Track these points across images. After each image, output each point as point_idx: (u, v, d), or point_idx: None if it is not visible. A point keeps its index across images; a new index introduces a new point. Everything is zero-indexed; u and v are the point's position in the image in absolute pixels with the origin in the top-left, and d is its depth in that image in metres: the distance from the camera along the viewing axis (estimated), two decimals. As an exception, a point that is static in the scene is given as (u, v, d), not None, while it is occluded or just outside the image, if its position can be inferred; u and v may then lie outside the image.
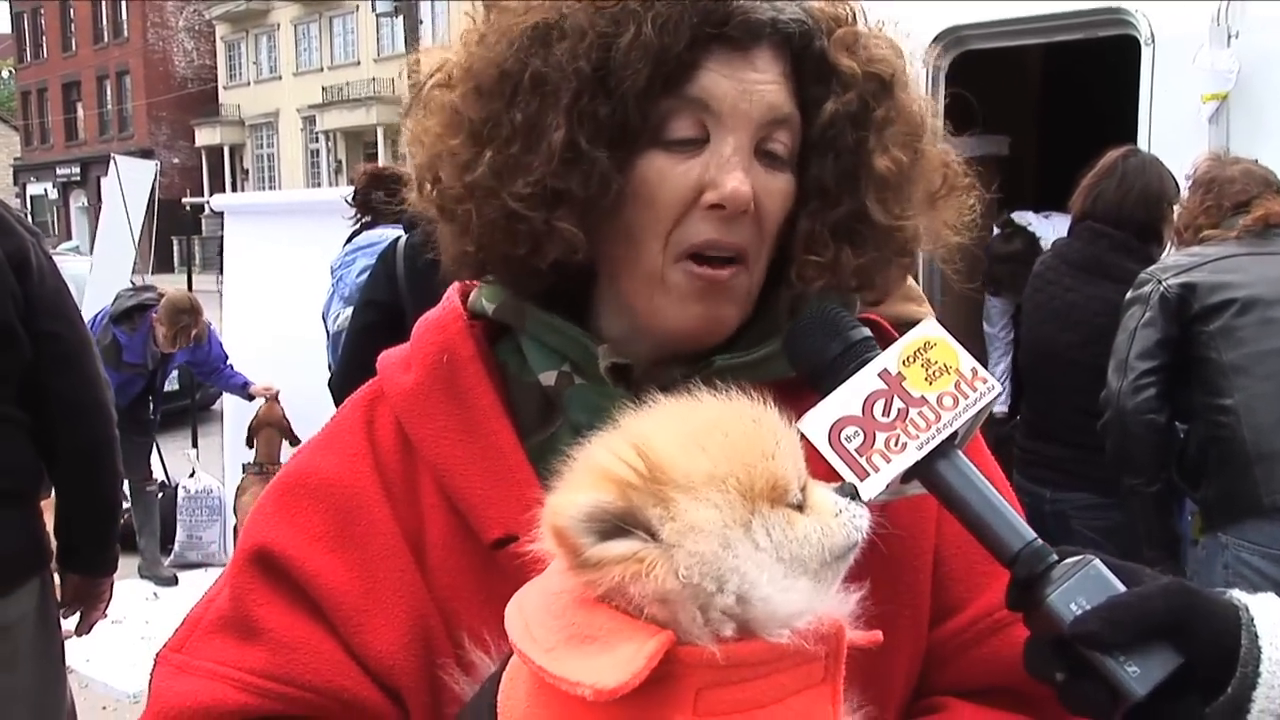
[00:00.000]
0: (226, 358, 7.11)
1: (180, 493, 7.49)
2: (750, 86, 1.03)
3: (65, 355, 2.87)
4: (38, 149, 59.56)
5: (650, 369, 1.08)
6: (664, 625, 0.80)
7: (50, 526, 3.05)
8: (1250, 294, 3.16)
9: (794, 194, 1.08)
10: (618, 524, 0.81)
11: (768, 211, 1.05)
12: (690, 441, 0.84)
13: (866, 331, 0.99)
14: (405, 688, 1.03)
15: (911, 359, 0.92)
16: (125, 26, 53.25)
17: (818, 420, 0.92)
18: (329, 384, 4.31)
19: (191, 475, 7.58)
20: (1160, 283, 3.25)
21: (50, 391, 2.85)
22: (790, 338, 1.02)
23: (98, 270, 9.51)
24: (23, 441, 2.84)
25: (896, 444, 0.90)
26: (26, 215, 4.65)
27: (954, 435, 0.91)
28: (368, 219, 4.91)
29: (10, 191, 55.95)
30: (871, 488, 0.90)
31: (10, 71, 58.18)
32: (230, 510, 7.13)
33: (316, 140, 47.37)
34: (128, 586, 5.97)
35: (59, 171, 56.06)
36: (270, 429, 6.58)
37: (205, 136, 51.40)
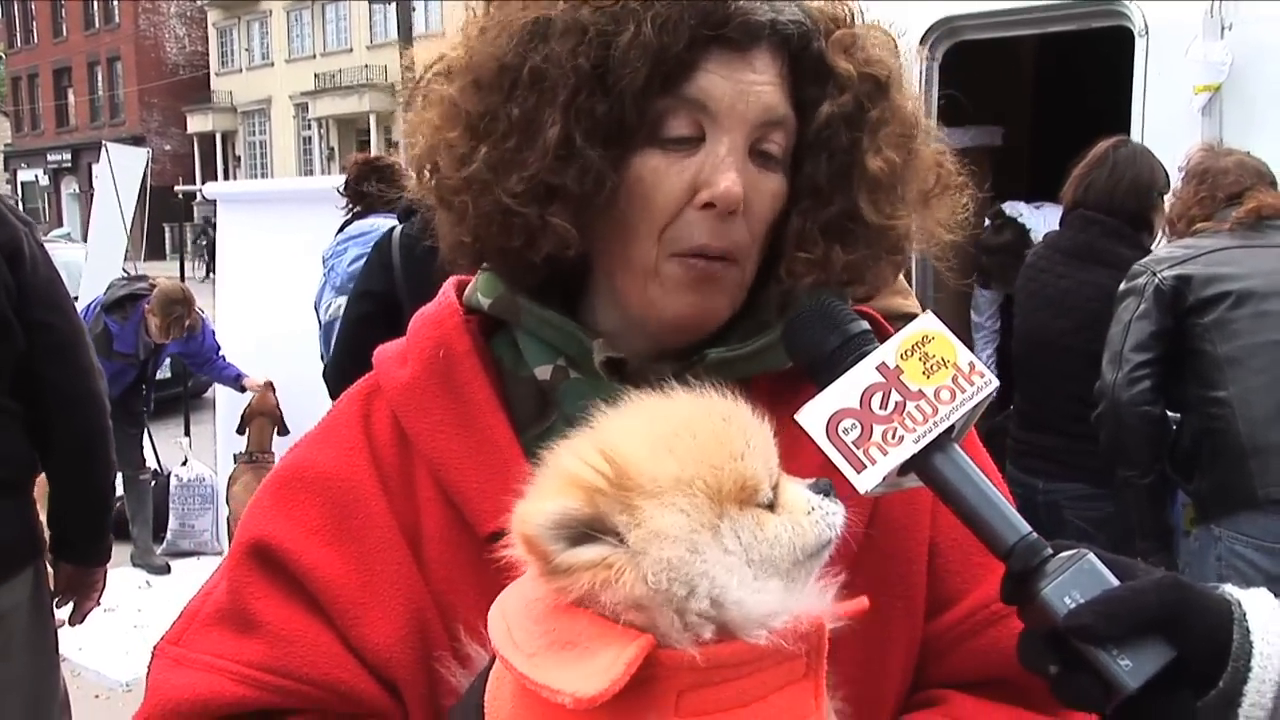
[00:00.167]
0: (219, 348, 7.10)
1: (173, 481, 7.49)
2: (747, 88, 1.04)
3: (59, 345, 2.87)
4: (28, 135, 59.30)
5: (645, 363, 1.09)
6: (643, 629, 0.81)
7: (43, 516, 3.05)
8: (1245, 287, 3.17)
9: (786, 193, 1.08)
10: (586, 530, 0.81)
11: (758, 211, 1.06)
12: (658, 444, 0.84)
13: (865, 325, 1.00)
14: (402, 680, 1.03)
15: (909, 352, 0.93)
16: (116, 12, 53.00)
17: (815, 413, 0.93)
18: (323, 374, 4.31)
19: (184, 464, 7.58)
20: (1155, 275, 3.26)
21: (44, 382, 2.85)
22: (788, 330, 1.03)
23: (92, 259, 9.49)
24: (16, 432, 2.84)
25: (894, 437, 0.91)
26: (17, 202, 4.63)
27: (951, 429, 0.91)
28: (359, 208, 4.90)
29: (0, 178, 55.71)
30: (868, 480, 0.90)
31: (0, 57, 57.84)
32: (223, 499, 7.12)
33: (309, 127, 47.22)
34: (120, 575, 5.98)
35: (50, 158, 55.83)
36: (262, 418, 6.57)
37: (197, 123, 51.22)
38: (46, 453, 2.94)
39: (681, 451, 0.84)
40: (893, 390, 0.92)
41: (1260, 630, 0.84)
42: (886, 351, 0.94)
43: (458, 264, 1.16)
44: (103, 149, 10.07)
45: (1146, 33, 4.33)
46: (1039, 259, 3.93)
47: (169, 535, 7.49)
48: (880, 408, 0.91)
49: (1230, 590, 0.88)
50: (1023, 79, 6.76)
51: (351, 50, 45.18)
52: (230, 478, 6.63)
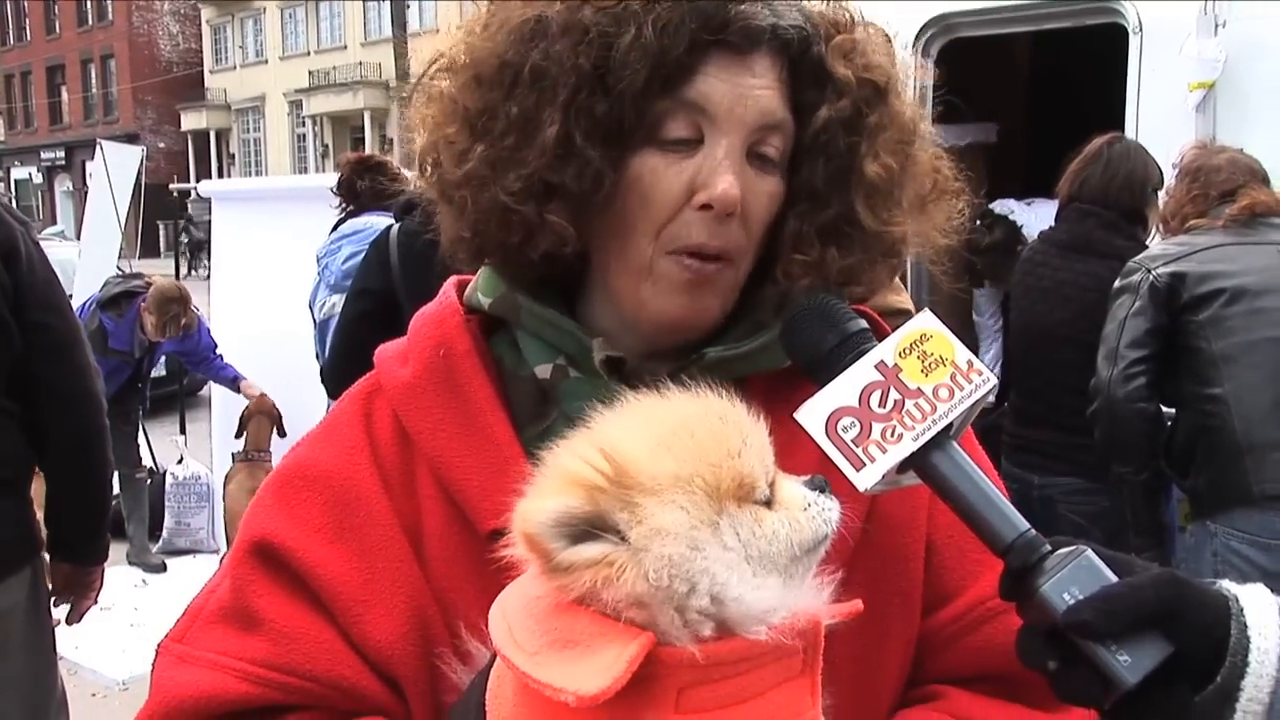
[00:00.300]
0: (215, 346, 7.09)
1: (168, 479, 7.47)
2: (746, 92, 1.04)
3: (56, 345, 2.87)
4: (21, 132, 59.14)
5: (643, 362, 1.09)
6: (643, 627, 0.81)
7: (40, 515, 3.05)
8: (1239, 284, 3.18)
9: (783, 196, 1.09)
10: (586, 528, 0.82)
11: (754, 213, 1.07)
12: (657, 443, 0.85)
13: (863, 323, 1.00)
14: (404, 677, 1.04)
15: (908, 351, 0.93)
16: (109, 9, 52.88)
17: (815, 411, 0.93)
18: (321, 372, 4.31)
19: (179, 462, 7.55)
20: (1149, 272, 3.27)
21: (41, 381, 2.84)
22: (787, 329, 1.03)
23: (86, 257, 9.47)
24: (13, 431, 2.83)
25: (893, 435, 0.91)
26: (11, 200, 4.63)
27: (949, 427, 0.92)
28: (353, 207, 4.91)
29: (-6, 176, 55.61)
30: (867, 478, 0.91)
31: (-7, 55, 57.72)
32: (219, 497, 7.11)
33: (303, 124, 47.18)
34: (116, 573, 5.95)
35: (43, 155, 55.69)
36: (261, 417, 6.56)
37: (191, 121, 51.15)
38: (43, 452, 2.94)
39: (680, 450, 0.85)
40: (891, 388, 0.92)
41: (1257, 625, 0.85)
42: (885, 350, 0.94)
43: (458, 259, 1.17)
44: (97, 147, 10.06)
45: (1140, 30, 4.34)
46: (1035, 253, 3.94)
47: (165, 534, 7.48)
48: (879, 406, 0.92)
49: (1227, 586, 0.89)
50: (1017, 75, 6.77)
51: (346, 47, 45.14)
52: (226, 476, 6.62)
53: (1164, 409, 3.37)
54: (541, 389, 1.12)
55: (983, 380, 0.92)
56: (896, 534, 1.10)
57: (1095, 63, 4.93)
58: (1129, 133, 4.24)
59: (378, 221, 4.60)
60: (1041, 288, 3.83)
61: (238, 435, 6.51)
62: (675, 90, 1.03)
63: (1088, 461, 3.51)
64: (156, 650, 1.09)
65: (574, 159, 1.03)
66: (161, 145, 47.94)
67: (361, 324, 3.83)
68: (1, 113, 60.56)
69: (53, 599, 3.07)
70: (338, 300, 4.60)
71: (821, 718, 0.88)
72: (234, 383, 6.94)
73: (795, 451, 0.94)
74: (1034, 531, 0.90)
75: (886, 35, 1.14)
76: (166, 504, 7.47)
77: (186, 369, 8.09)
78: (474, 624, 0.97)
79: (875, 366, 0.93)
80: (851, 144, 1.08)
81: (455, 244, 1.15)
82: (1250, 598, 0.87)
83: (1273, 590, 0.89)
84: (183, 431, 8.26)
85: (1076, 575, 0.85)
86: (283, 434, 6.41)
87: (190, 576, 6.71)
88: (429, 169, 1.13)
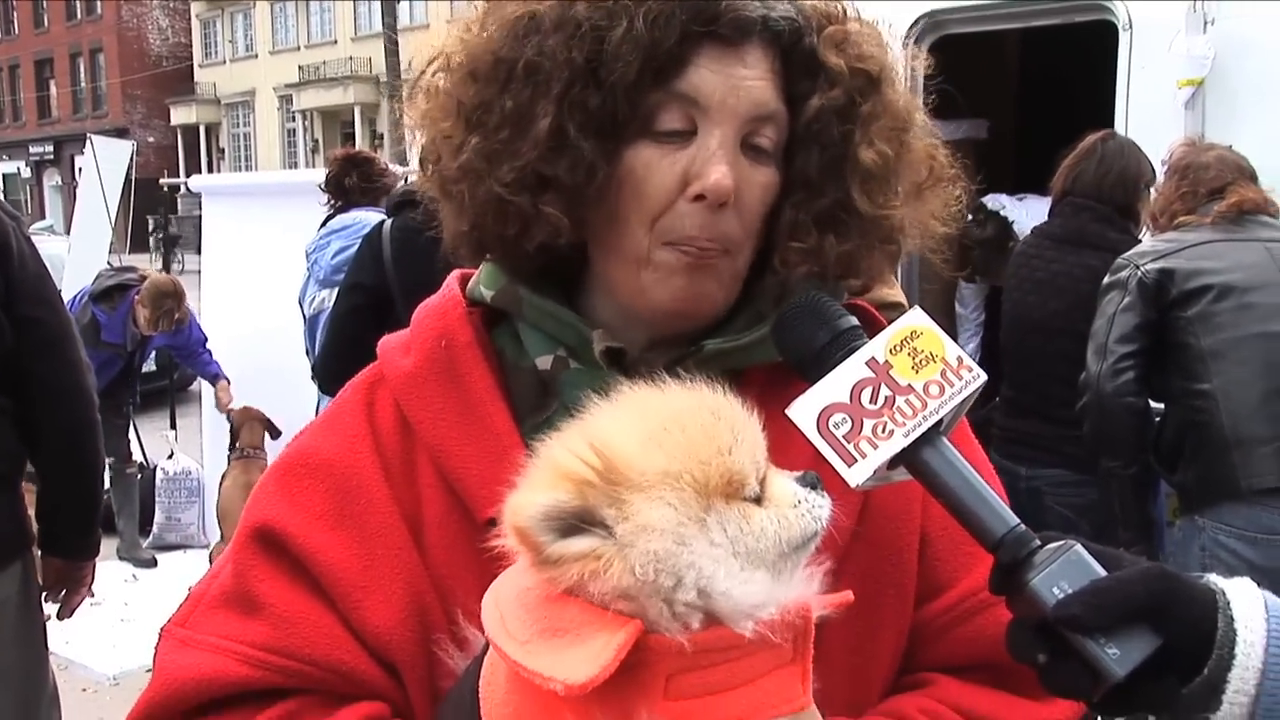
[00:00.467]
0: (205, 340, 7.08)
1: (159, 474, 7.46)
2: (738, 83, 1.05)
3: (47, 340, 2.87)
4: (10, 127, 58.84)
5: (643, 353, 1.11)
6: (632, 617, 0.82)
7: (31, 511, 3.05)
8: (1226, 280, 3.21)
9: (778, 186, 1.10)
10: (575, 522, 0.83)
11: (749, 203, 1.08)
12: (648, 438, 0.86)
13: (854, 320, 1.01)
14: (401, 662, 1.05)
15: (898, 347, 0.94)
16: (98, 4, 52.62)
17: (806, 407, 0.94)
18: (312, 367, 4.31)
19: (170, 457, 7.54)
20: (1138, 268, 3.29)
21: (32, 376, 2.84)
22: (778, 326, 1.04)
23: (76, 252, 9.44)
24: (5, 426, 2.84)
25: (883, 431, 0.92)
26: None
27: (940, 423, 0.93)
28: (341, 203, 4.93)
29: (-19, 170, 55.33)
30: (859, 474, 0.92)
31: (-19, 48, 57.41)
32: (209, 491, 7.10)
33: (293, 119, 47.06)
34: (106, 568, 5.95)
35: (32, 150, 55.41)
36: (252, 422, 6.57)
37: (180, 115, 50.95)
38: (35, 447, 2.94)
39: (670, 446, 0.86)
40: (882, 385, 0.93)
41: (1243, 618, 0.86)
42: (876, 347, 0.95)
43: (460, 254, 1.18)
44: (87, 141, 10.02)
45: (1130, 27, 4.36)
46: (1029, 246, 3.97)
47: (155, 529, 7.46)
48: (870, 402, 0.93)
49: (1214, 579, 0.90)
50: (1008, 72, 6.78)
51: (336, 42, 45.02)
52: (223, 475, 6.61)
53: (1153, 405, 3.39)
54: (542, 380, 1.13)
55: (973, 376, 0.93)
56: (890, 526, 1.11)
57: (1085, 60, 4.95)
58: (1118, 129, 4.25)
59: (367, 217, 4.61)
60: (1035, 279, 3.86)
61: (231, 443, 6.51)
62: (667, 82, 1.04)
63: (1076, 454, 3.54)
64: (160, 634, 1.11)
65: (567, 151, 1.04)
66: (151, 140, 47.73)
67: (353, 319, 3.83)
68: (-10, 107, 60.31)
69: (44, 594, 3.07)
70: (327, 295, 4.61)
71: (811, 704, 0.89)
72: (215, 379, 6.95)
73: (790, 445, 0.95)
74: (1024, 526, 0.90)
75: (878, 29, 1.15)
76: (157, 499, 7.46)
77: (177, 364, 8.09)
78: (471, 611, 0.99)
79: (866, 363, 0.94)
80: (845, 132, 1.09)
81: (456, 239, 1.16)
82: (1237, 591, 0.89)
83: (1260, 584, 0.90)
84: (173, 426, 8.25)
85: (1066, 569, 0.86)
86: (275, 435, 6.42)
87: (180, 572, 6.69)
88: (429, 167, 1.15)
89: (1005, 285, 4.09)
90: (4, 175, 56.31)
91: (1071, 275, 3.74)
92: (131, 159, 10.15)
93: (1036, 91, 6.64)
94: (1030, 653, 0.89)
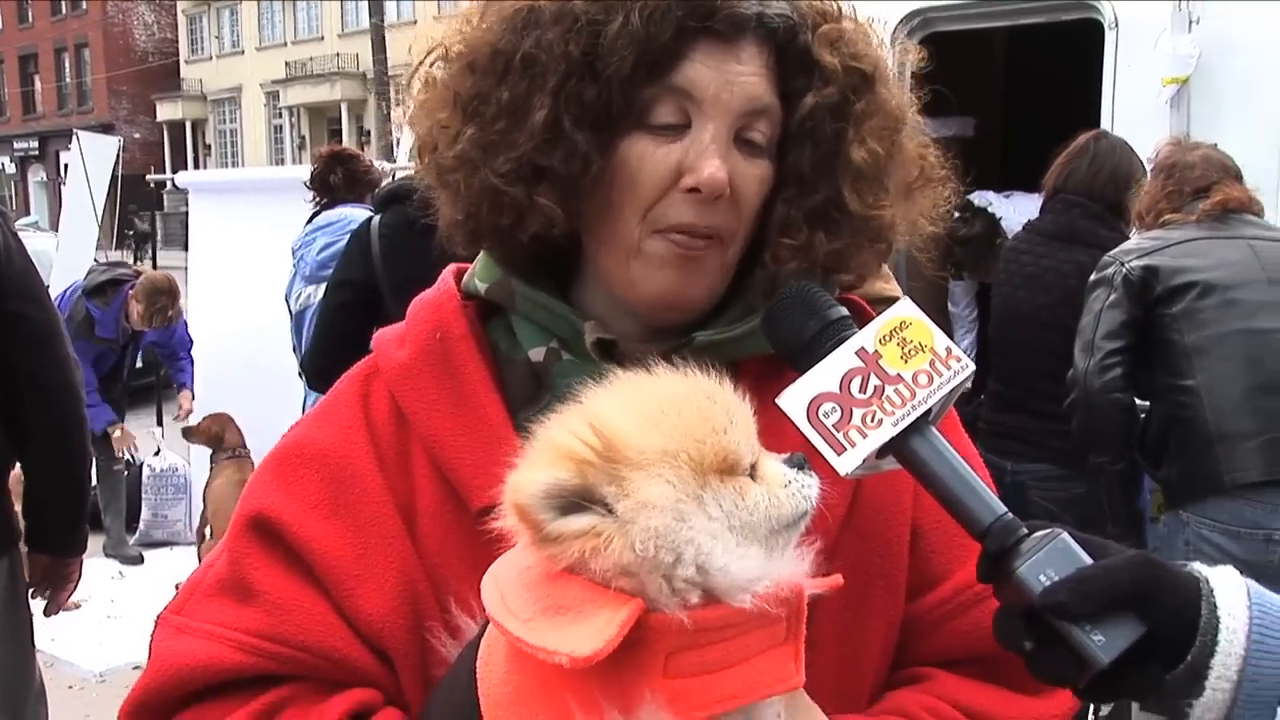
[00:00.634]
0: (190, 346, 7.11)
1: (145, 471, 7.44)
2: (732, 77, 1.07)
3: (34, 337, 2.86)
4: (-6, 122, 58.50)
5: (634, 345, 1.12)
6: (632, 594, 0.84)
7: (19, 507, 3.04)
8: (1210, 277, 3.23)
9: (772, 180, 1.11)
10: (575, 500, 0.84)
11: (744, 196, 1.09)
12: (645, 419, 0.88)
13: (843, 310, 1.03)
14: (394, 649, 1.06)
15: (888, 338, 0.95)
16: (83, -1, 52.34)
17: (796, 396, 0.95)
18: (300, 363, 4.30)
19: (157, 454, 7.52)
20: (1123, 265, 3.31)
21: (19, 373, 2.83)
22: (768, 316, 1.05)
23: (65, 249, 9.39)
24: (-8, 423, 2.82)
25: (873, 420, 0.93)
26: (-16, 190, 4.59)
27: (928, 412, 0.94)
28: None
29: (-34, 166, 54.98)
30: (848, 462, 0.93)
31: (-35, 43, 57.00)
32: (195, 488, 7.08)
33: (280, 115, 46.88)
34: (93, 565, 5.91)
35: (16, 146, 55.04)
36: (230, 422, 6.59)
37: (167, 111, 50.70)
38: (22, 444, 2.93)
39: (667, 426, 0.87)
40: (871, 374, 0.94)
41: (1226, 606, 0.88)
42: (865, 337, 0.96)
43: (454, 243, 1.19)
44: (74, 137, 9.97)
45: (1116, 26, 4.39)
46: (1020, 242, 4.01)
47: (141, 525, 7.45)
48: (859, 391, 0.94)
49: (1198, 568, 0.91)
50: (994, 71, 6.81)
51: (323, 38, 44.88)
52: (211, 474, 6.59)
53: (1139, 401, 3.41)
54: (535, 372, 1.15)
55: (961, 366, 0.95)
56: (880, 517, 1.12)
57: (1071, 58, 4.97)
58: (1105, 127, 4.28)
59: (352, 213, 4.62)
60: (1025, 274, 3.89)
61: (214, 455, 6.51)
62: (663, 76, 1.06)
63: (1061, 448, 3.56)
64: (156, 622, 1.12)
65: (562, 142, 1.05)
66: (137, 136, 47.37)
67: (341, 315, 3.83)
68: (-26, 102, 59.91)
69: (30, 591, 3.06)
70: (313, 291, 4.61)
71: (803, 682, 0.90)
72: (180, 386, 6.98)
73: (781, 434, 0.96)
74: (1011, 515, 0.92)
75: (871, 28, 1.16)
76: (143, 496, 7.44)
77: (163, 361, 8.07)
78: (464, 599, 1.01)
79: (856, 353, 0.95)
80: (838, 130, 1.10)
81: (451, 228, 1.17)
82: (1220, 579, 0.90)
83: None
84: (159, 423, 8.22)
85: (1052, 557, 0.88)
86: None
87: (167, 569, 6.68)
88: (426, 156, 1.16)
89: (995, 280, 4.12)
90: (-12, 171, 56.02)
91: (1060, 271, 3.77)
92: (118, 155, 10.09)
93: (1024, 90, 6.67)
94: (1017, 640, 0.90)
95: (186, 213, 8.41)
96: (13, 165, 55.39)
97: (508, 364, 1.16)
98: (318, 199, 4.99)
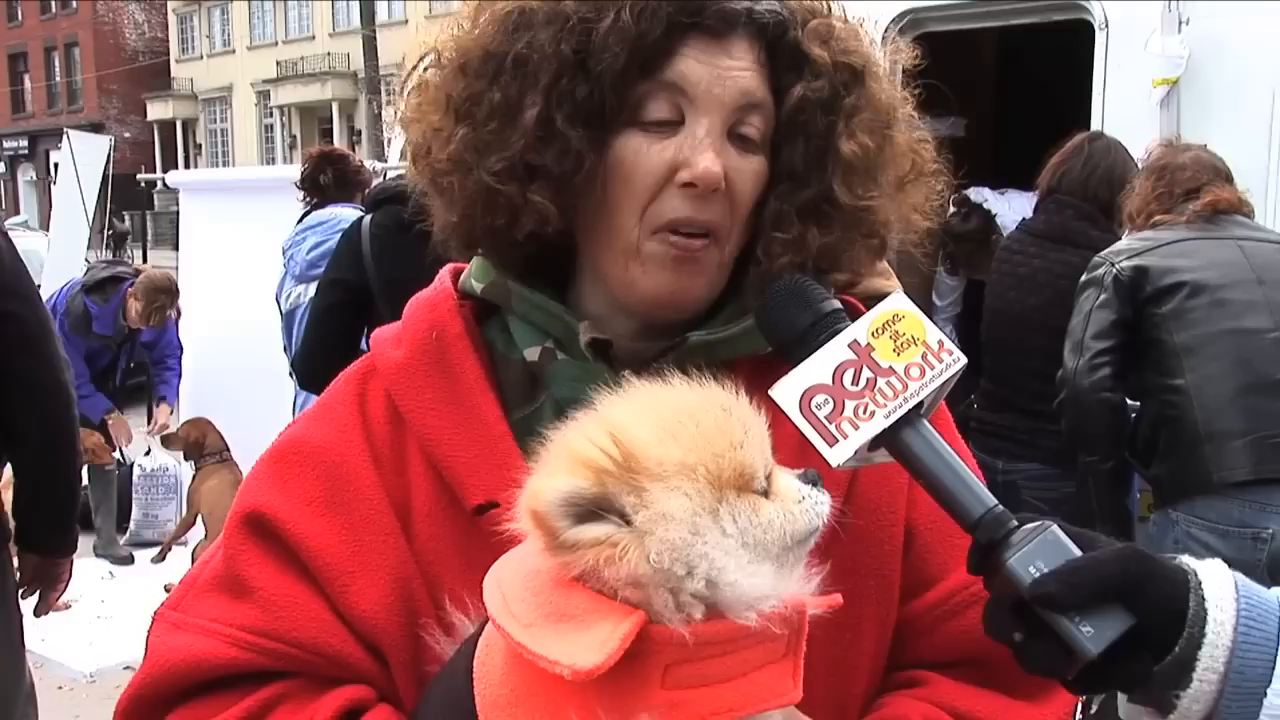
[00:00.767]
0: (180, 352, 7.11)
1: (136, 471, 7.41)
2: (724, 72, 1.07)
3: (25, 336, 2.85)
4: (-17, 122, 58.25)
5: (629, 345, 1.12)
6: (636, 606, 0.84)
7: (8, 506, 3.03)
8: (1199, 278, 3.24)
9: (766, 176, 1.12)
10: (592, 509, 0.84)
11: (739, 191, 1.09)
12: (663, 430, 0.88)
13: (837, 303, 1.04)
14: (388, 646, 1.07)
15: (880, 330, 0.96)
16: (74, -2, 52.15)
17: (789, 388, 0.96)
18: (291, 363, 4.29)
19: (147, 453, 7.49)
20: (1113, 265, 3.33)
21: (9, 372, 2.82)
22: (762, 309, 1.06)
23: (56, 248, 9.37)
24: (-19, 422, 2.82)
25: (865, 412, 0.94)
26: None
27: (920, 404, 0.94)
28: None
29: (-45, 166, 54.76)
30: (840, 454, 0.94)
31: (-46, 42, 56.73)
32: (186, 488, 7.07)
33: (271, 115, 46.77)
34: (83, 565, 5.91)
35: (6, 145, 54.82)
36: (211, 426, 6.60)
37: (157, 110, 50.53)
38: (13, 444, 2.92)
39: (686, 438, 0.88)
40: (864, 367, 0.95)
41: (1214, 599, 0.88)
42: (858, 329, 0.97)
43: (450, 247, 1.20)
44: (64, 137, 9.94)
45: (1106, 26, 4.41)
46: (1013, 242, 4.03)
47: (132, 525, 7.42)
48: (852, 384, 0.95)
49: (1187, 561, 0.92)
50: (985, 71, 6.82)
51: (314, 38, 44.80)
52: (197, 479, 6.59)
53: (1130, 401, 3.43)
54: (531, 372, 1.15)
55: (953, 360, 0.95)
56: (873, 517, 1.12)
57: (1062, 58, 4.99)
58: (1095, 127, 4.30)
59: (343, 213, 4.63)
60: (1017, 275, 3.91)
61: (197, 461, 6.50)
62: (655, 72, 1.06)
63: (1051, 447, 3.57)
64: (153, 617, 1.12)
65: (554, 140, 1.06)
66: (127, 135, 47.20)
67: (332, 315, 3.83)
68: (-38, 101, 59.60)
69: (20, 591, 3.05)
70: (303, 290, 4.61)
71: (801, 698, 0.91)
72: (161, 399, 7.00)
73: (776, 430, 0.96)
74: (1002, 507, 0.92)
75: (860, 27, 1.16)
76: (134, 496, 7.42)
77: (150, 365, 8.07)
78: (458, 596, 1.01)
79: (849, 345, 0.96)
80: (829, 124, 1.10)
81: (446, 231, 1.18)
82: (1208, 572, 0.91)
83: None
84: (149, 422, 8.19)
85: (1042, 549, 0.88)
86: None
87: (158, 569, 6.66)
88: (420, 161, 1.16)
89: (988, 280, 4.14)
90: (-22, 170, 55.79)
91: (1052, 272, 3.79)
92: (109, 155, 10.06)
93: (1015, 90, 6.69)
94: (1006, 631, 0.90)
95: (177, 212, 8.39)
96: (2, 164, 55.19)
97: (503, 363, 1.17)
98: (308, 199, 5.00)
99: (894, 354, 0.95)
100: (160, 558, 6.64)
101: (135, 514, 7.43)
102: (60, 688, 5.28)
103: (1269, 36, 4.09)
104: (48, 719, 3.36)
